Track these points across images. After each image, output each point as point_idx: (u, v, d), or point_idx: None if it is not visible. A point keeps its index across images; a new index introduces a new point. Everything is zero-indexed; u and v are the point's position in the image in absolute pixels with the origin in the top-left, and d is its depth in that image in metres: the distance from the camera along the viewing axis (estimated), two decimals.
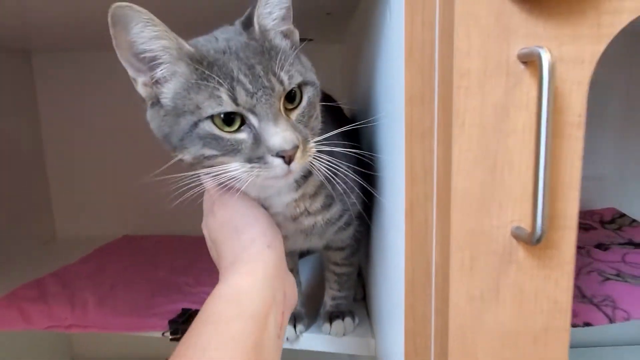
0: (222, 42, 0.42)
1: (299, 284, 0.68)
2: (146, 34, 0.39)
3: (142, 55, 0.40)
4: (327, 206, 0.51)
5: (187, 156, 0.42)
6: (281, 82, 0.41)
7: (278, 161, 0.40)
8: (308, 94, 0.44)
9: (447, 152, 0.36)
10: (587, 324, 0.66)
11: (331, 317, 0.64)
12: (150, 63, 0.41)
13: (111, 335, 1.22)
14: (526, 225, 0.35)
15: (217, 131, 0.40)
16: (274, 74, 0.41)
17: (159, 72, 0.41)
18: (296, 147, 0.40)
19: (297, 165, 0.41)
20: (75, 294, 0.78)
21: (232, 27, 0.45)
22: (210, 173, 0.43)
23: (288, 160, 0.40)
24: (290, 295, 0.44)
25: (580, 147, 0.34)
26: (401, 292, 0.41)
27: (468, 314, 0.37)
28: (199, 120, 0.40)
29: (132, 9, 0.37)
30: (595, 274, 0.78)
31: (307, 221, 0.51)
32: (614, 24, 0.32)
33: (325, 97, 0.80)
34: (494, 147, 0.35)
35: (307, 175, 0.49)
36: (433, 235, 0.39)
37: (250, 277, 0.40)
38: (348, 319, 0.64)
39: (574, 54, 0.33)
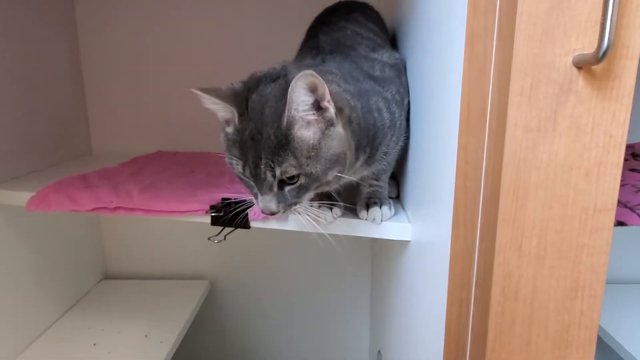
0: (256, 123, 0.53)
1: None
2: (213, 107, 0.56)
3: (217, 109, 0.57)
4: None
5: None
6: (273, 176, 0.53)
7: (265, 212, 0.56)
8: (301, 181, 0.54)
9: None
10: (621, 223, 0.67)
11: (369, 203, 0.66)
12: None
13: (143, 253, 1.28)
14: (595, 46, 0.36)
15: (241, 175, 0.57)
16: (270, 169, 0.53)
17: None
18: (273, 213, 0.55)
19: (278, 217, 0.62)
20: (118, 185, 0.81)
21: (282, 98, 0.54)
22: None
23: (269, 214, 0.56)
24: None
25: None
26: (455, 132, 0.42)
27: (523, 146, 0.38)
28: (231, 163, 0.57)
29: (199, 94, 0.55)
30: (629, 186, 0.79)
31: None
32: None
33: (368, 9, 0.81)
34: None
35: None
36: (491, 70, 0.40)
37: None
38: (385, 206, 0.66)
39: None
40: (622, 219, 0.67)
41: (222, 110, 0.56)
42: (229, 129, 0.57)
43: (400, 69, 0.68)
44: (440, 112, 0.50)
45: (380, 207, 0.66)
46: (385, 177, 0.68)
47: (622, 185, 0.80)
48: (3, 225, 0.90)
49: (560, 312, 0.41)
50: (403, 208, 0.72)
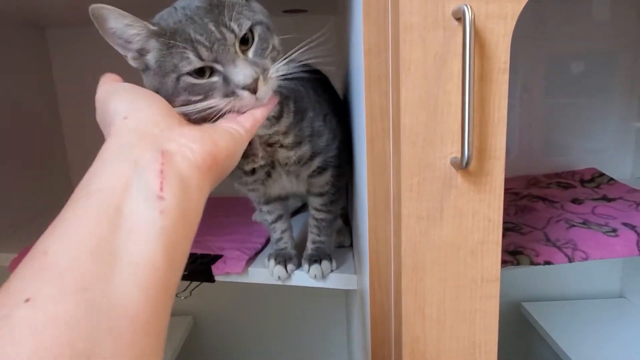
0: (179, 11, 0.51)
1: (289, 229, 0.77)
2: (120, 25, 0.49)
3: (123, 40, 0.51)
4: (297, 144, 0.63)
5: (178, 104, 0.51)
6: (232, 31, 0.49)
7: (246, 93, 0.49)
8: (258, 32, 0.52)
9: (397, 95, 0.43)
10: (548, 263, 0.73)
11: (310, 261, 0.73)
12: (130, 44, 0.51)
13: None
14: (460, 155, 0.43)
15: (194, 81, 0.50)
16: (225, 26, 0.49)
17: (137, 48, 0.51)
18: (256, 80, 0.49)
19: (262, 92, 0.50)
20: None
21: None
22: (197, 108, 0.51)
23: (253, 90, 0.49)
24: (187, 143, 0.39)
25: (505, 89, 0.42)
26: (365, 218, 0.49)
27: (417, 232, 0.45)
28: (179, 76, 0.50)
29: (104, 9, 0.48)
30: (563, 222, 0.85)
31: (282, 153, 0.63)
32: None
33: (314, 72, 0.87)
34: (435, 91, 0.42)
35: (278, 116, 0.60)
36: (390, 166, 0.47)
37: (98, 158, 0.38)
38: (325, 262, 0.72)
39: (498, 11, 0.40)
40: (549, 259, 0.74)
41: (135, 29, 0.50)
42: (154, 50, 0.51)
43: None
44: (359, 193, 0.57)
45: (320, 263, 0.72)
46: (328, 232, 0.74)
47: (557, 221, 0.87)
48: None
49: None
50: (353, 256, 0.79)
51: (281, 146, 0.62)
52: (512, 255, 0.73)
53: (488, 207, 0.44)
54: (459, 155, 0.43)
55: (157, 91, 0.51)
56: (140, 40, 0.51)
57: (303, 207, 1.01)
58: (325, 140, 0.65)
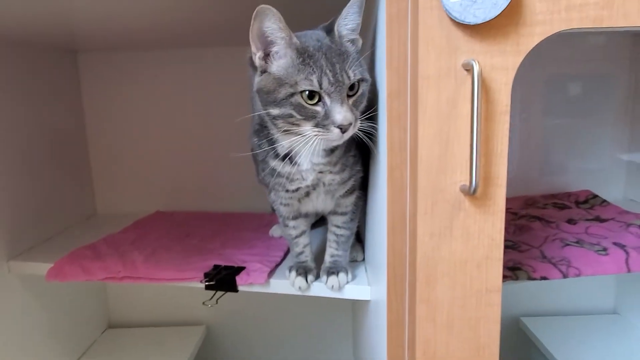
0: (316, 42, 0.62)
1: (310, 244, 0.84)
2: (275, 26, 0.59)
3: (268, 39, 0.61)
4: (342, 170, 0.73)
5: (276, 112, 0.63)
6: (349, 78, 0.61)
7: (337, 130, 0.61)
8: (363, 87, 0.63)
9: (414, 131, 0.51)
10: (544, 278, 0.80)
11: (328, 273, 0.80)
12: (271, 45, 0.62)
13: (145, 303, 1.39)
14: (468, 183, 0.50)
15: (303, 102, 0.60)
16: (345, 72, 0.61)
17: (274, 52, 0.62)
18: (350, 124, 0.60)
19: (348, 135, 0.62)
20: (124, 254, 0.94)
21: (320, 32, 0.65)
22: (288, 131, 0.64)
23: (343, 131, 0.61)
24: None
25: (506, 127, 0.49)
26: (384, 234, 0.57)
27: (430, 247, 0.52)
28: (294, 93, 0.60)
29: (270, 9, 0.58)
30: (558, 241, 0.93)
31: (328, 178, 0.73)
32: (528, 43, 0.47)
33: None
34: (447, 128, 0.50)
35: (334, 149, 0.70)
36: (407, 190, 0.54)
37: None
38: (342, 274, 0.79)
39: (501, 63, 0.48)
40: (545, 274, 0.81)
41: (284, 33, 0.60)
42: (286, 59, 0.61)
43: None
44: (377, 213, 0.64)
45: (337, 276, 0.79)
46: (345, 247, 0.81)
47: (552, 240, 0.94)
48: (20, 289, 1.03)
49: None
50: (366, 270, 0.86)
51: (330, 172, 0.72)
52: (511, 270, 0.80)
53: (492, 227, 0.52)
54: (467, 183, 0.50)
55: (264, 90, 0.63)
56: (282, 45, 0.61)
57: (315, 225, 1.08)
58: (358, 165, 0.76)
